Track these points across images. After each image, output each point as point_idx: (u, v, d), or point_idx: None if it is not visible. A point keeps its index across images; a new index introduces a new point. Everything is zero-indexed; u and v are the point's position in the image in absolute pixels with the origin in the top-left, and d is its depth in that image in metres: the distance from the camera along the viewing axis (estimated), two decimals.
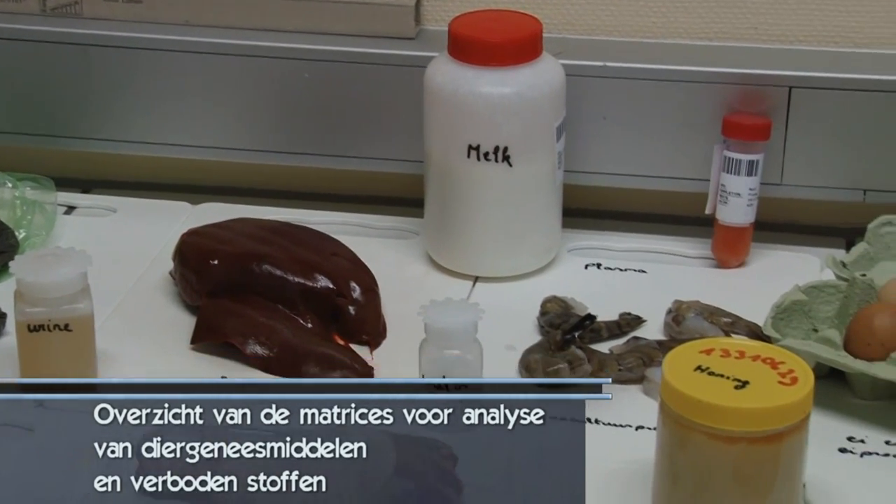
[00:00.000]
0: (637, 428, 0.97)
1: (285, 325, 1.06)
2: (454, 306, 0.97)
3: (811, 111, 1.15)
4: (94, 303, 1.00)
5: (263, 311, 1.07)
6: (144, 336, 1.08)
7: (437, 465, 0.84)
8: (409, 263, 1.18)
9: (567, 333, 1.05)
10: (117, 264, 1.16)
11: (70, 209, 1.27)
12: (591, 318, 1.07)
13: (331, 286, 1.08)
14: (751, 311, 1.07)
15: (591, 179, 1.22)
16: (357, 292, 1.09)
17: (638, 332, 1.08)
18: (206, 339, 1.06)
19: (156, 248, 1.19)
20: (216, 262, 1.09)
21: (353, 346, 1.07)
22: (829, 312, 1.04)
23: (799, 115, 1.16)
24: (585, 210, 1.24)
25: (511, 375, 1.03)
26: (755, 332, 1.05)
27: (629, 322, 1.09)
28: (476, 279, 1.15)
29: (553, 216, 1.16)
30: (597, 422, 0.98)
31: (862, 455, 0.94)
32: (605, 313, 1.09)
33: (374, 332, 1.08)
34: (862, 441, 0.96)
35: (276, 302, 1.08)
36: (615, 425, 0.98)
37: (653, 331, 1.08)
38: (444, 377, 0.96)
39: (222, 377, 1.03)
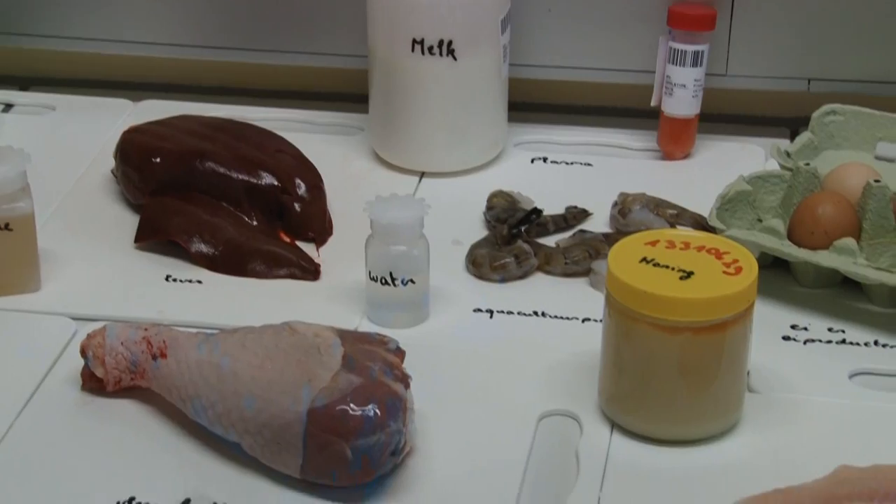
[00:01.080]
0: (584, 320, 0.98)
1: (230, 223, 1.05)
2: (400, 202, 0.97)
3: (756, 0, 1.15)
4: (34, 202, 0.99)
5: (207, 209, 1.06)
6: (87, 235, 1.07)
7: (384, 359, 0.84)
8: (354, 159, 1.17)
9: (514, 228, 1.05)
10: (57, 163, 1.14)
11: (8, 107, 1.25)
12: (537, 211, 1.07)
13: (275, 183, 1.07)
14: (696, 203, 1.07)
15: (537, 73, 1.21)
16: (302, 189, 1.08)
17: (584, 226, 1.09)
18: (150, 237, 1.05)
19: (97, 146, 1.17)
20: (158, 159, 1.07)
21: (299, 244, 1.07)
22: (773, 202, 1.04)
23: (744, 4, 1.15)
24: (531, 104, 1.24)
25: (457, 270, 1.03)
26: (700, 223, 1.05)
27: (575, 215, 1.09)
28: (422, 174, 1.15)
29: (499, 110, 1.16)
30: (543, 315, 0.99)
31: (805, 342, 0.96)
32: (552, 207, 1.09)
33: (319, 229, 1.08)
34: (805, 329, 0.97)
35: (220, 200, 1.07)
36: (562, 318, 0.98)
37: (599, 223, 1.09)
38: (390, 273, 0.96)
39: (167, 277, 1.03)
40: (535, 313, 0.99)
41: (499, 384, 0.92)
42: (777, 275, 1.01)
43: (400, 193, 0.98)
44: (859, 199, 1.00)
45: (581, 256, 1.03)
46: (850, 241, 0.97)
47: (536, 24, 1.19)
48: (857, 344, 0.95)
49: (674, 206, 1.08)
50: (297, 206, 1.07)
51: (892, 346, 0.95)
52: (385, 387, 0.82)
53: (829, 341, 0.95)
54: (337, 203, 1.10)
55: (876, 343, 0.95)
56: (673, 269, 0.86)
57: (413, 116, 1.13)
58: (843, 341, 0.95)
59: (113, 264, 1.04)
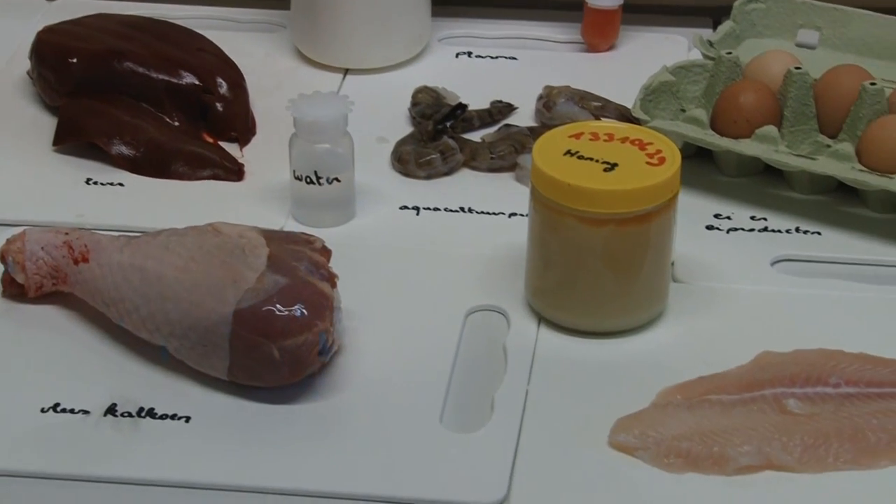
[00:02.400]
0: (510, 215, 0.98)
1: (151, 124, 1.04)
2: (323, 99, 0.96)
3: None
4: None
5: (128, 110, 1.04)
6: (3, 139, 1.05)
7: (310, 258, 0.84)
8: (276, 57, 1.16)
9: (439, 123, 1.05)
10: None
11: None
12: (462, 107, 1.06)
13: (197, 82, 1.06)
14: (620, 94, 1.07)
15: None
16: (224, 88, 1.07)
17: (509, 120, 1.08)
18: (69, 139, 1.04)
19: (10, 47, 1.15)
20: (75, 60, 1.05)
21: (222, 144, 1.05)
22: (696, 92, 1.04)
23: None
24: None
25: (383, 168, 1.03)
26: (625, 115, 1.05)
27: (500, 110, 1.09)
28: (346, 71, 1.13)
29: (422, 5, 1.14)
30: (470, 210, 0.99)
31: (728, 231, 0.96)
32: (477, 102, 1.08)
33: (243, 129, 1.06)
34: (728, 217, 0.97)
35: (140, 100, 1.05)
36: (488, 213, 0.98)
37: (524, 118, 1.08)
38: (315, 172, 0.95)
39: (87, 180, 1.01)
40: (462, 209, 0.99)
41: (426, 281, 0.92)
42: (700, 164, 1.01)
43: (323, 91, 0.97)
44: (780, 86, 1.00)
45: (507, 151, 1.03)
46: (771, 129, 0.97)
47: None
48: (779, 231, 0.96)
49: (598, 99, 1.08)
50: (219, 105, 1.06)
51: (812, 233, 0.96)
52: (311, 286, 0.82)
53: (752, 229, 0.96)
54: (260, 102, 1.09)
55: (797, 230, 0.96)
56: (597, 161, 0.86)
57: (336, 12, 1.11)
58: (766, 229, 0.96)
59: (31, 168, 1.02)
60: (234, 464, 0.78)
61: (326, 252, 0.86)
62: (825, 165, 0.96)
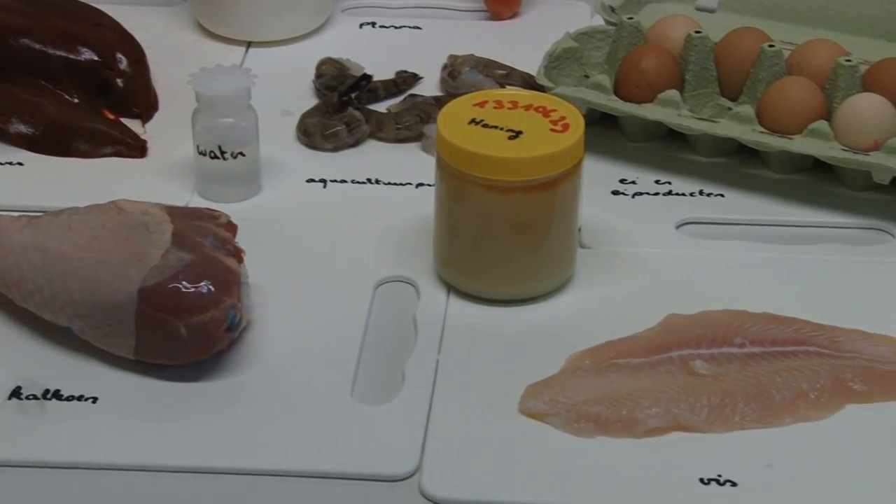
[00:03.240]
0: (417, 185, 0.98)
1: (50, 102, 1.02)
2: (225, 72, 0.95)
3: None
4: None
5: (25, 88, 1.02)
6: None
7: (215, 234, 0.83)
8: (177, 31, 1.14)
9: (343, 95, 1.04)
10: None
11: None
12: (367, 77, 1.06)
13: (96, 58, 1.04)
14: (525, 62, 1.07)
15: None
16: (124, 63, 1.05)
17: (415, 90, 1.08)
18: None
19: None
20: None
21: (124, 120, 1.04)
22: (599, 58, 1.05)
23: None
24: None
25: (288, 141, 1.02)
26: (529, 82, 1.05)
27: (405, 80, 1.09)
28: (248, 44, 1.12)
29: None
30: (377, 182, 0.98)
31: (633, 196, 0.97)
32: (382, 72, 1.08)
33: (144, 105, 1.05)
34: (633, 182, 0.98)
35: (38, 78, 1.03)
36: (396, 184, 0.98)
37: (430, 87, 1.08)
38: (219, 146, 0.94)
39: None
40: (369, 180, 0.99)
41: (334, 254, 0.92)
42: (605, 130, 1.02)
43: (225, 64, 0.96)
44: (681, 50, 1.01)
45: (412, 121, 1.03)
46: (673, 93, 0.98)
47: None
48: (683, 194, 0.97)
49: (503, 67, 1.08)
50: (119, 81, 1.05)
51: (715, 195, 0.97)
52: (218, 262, 0.81)
53: (657, 193, 0.97)
54: (161, 77, 1.07)
55: (701, 193, 0.97)
56: (502, 129, 0.86)
57: None
58: (670, 192, 0.97)
59: None
60: (144, 443, 0.78)
61: (232, 227, 0.85)
62: (726, 128, 0.97)
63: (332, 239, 0.93)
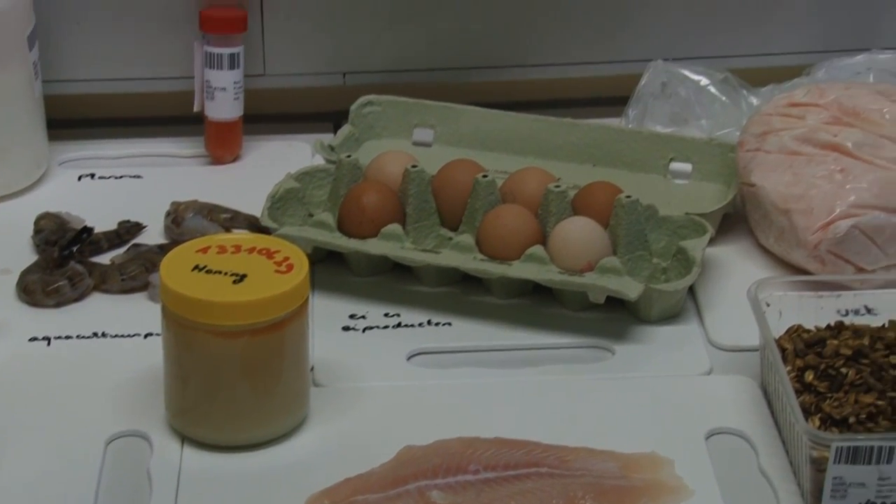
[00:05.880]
0: (146, 335, 0.96)
1: None
2: None
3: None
4: None
5: None
6: None
7: None
8: None
9: (64, 249, 1.02)
10: None
11: None
12: (87, 230, 1.04)
13: None
14: (249, 205, 1.08)
15: (74, 87, 1.18)
16: None
17: (139, 239, 1.07)
18: None
19: None
20: None
21: None
22: (322, 196, 1.06)
23: (272, 4, 1.16)
24: (73, 120, 1.20)
25: (8, 300, 0.99)
26: (254, 224, 1.06)
27: (128, 230, 1.07)
28: None
29: (37, 129, 1.12)
30: (104, 335, 0.97)
31: (364, 330, 0.98)
32: (104, 224, 1.06)
33: None
34: (363, 317, 0.99)
35: None
36: (124, 336, 0.96)
37: (154, 235, 1.07)
38: None
39: None
40: (96, 334, 0.97)
41: (62, 413, 0.89)
42: (333, 267, 1.03)
43: None
44: (401, 185, 1.03)
45: (137, 271, 1.01)
46: (395, 227, 1.00)
47: (66, 39, 1.16)
48: (412, 325, 0.98)
49: (227, 210, 1.08)
50: None
51: (443, 324, 0.98)
52: None
53: (387, 326, 0.98)
54: None
55: (429, 322, 0.98)
56: (226, 273, 0.86)
57: None
58: (399, 325, 0.98)
59: None
60: None
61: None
62: (448, 258, 0.99)
63: (59, 398, 0.90)
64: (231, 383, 0.86)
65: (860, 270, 0.98)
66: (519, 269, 0.98)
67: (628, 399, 0.91)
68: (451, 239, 1.02)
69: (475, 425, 0.88)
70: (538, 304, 0.99)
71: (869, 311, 0.91)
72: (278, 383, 0.87)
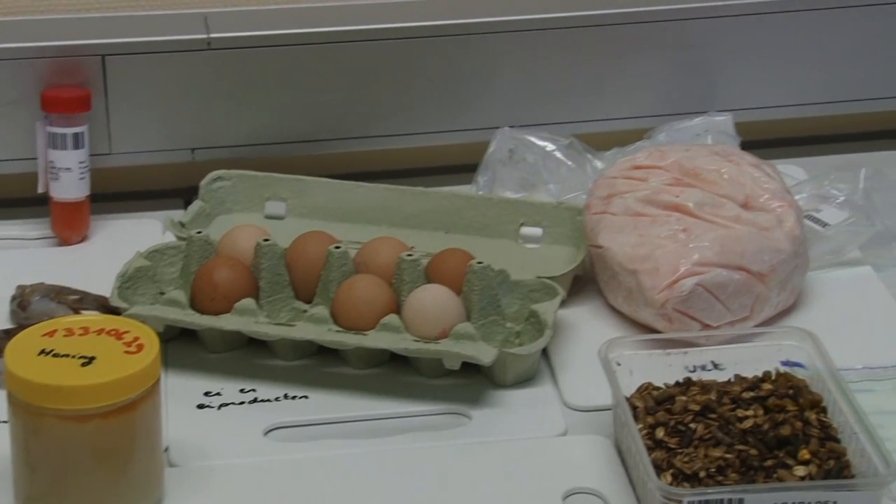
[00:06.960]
0: None
1: None
2: None
3: (128, 77, 1.15)
4: None
5: None
6: None
7: None
8: None
9: None
10: None
11: None
12: None
13: None
14: (99, 285, 1.06)
15: None
16: None
17: None
18: None
19: None
20: None
21: None
22: (173, 274, 1.05)
23: (116, 82, 1.15)
24: None
25: None
26: (105, 305, 1.04)
27: None
28: None
29: None
30: None
31: (220, 407, 0.97)
32: None
33: None
34: (218, 394, 0.98)
35: None
36: None
37: (0, 320, 1.05)
38: None
39: None
40: None
41: None
42: (186, 344, 1.01)
43: None
44: (253, 259, 1.03)
45: None
46: (249, 302, 0.99)
47: None
48: (268, 400, 0.97)
49: (76, 292, 1.06)
50: None
51: (300, 398, 0.98)
52: None
53: (242, 402, 0.97)
54: None
55: (285, 396, 0.98)
56: (74, 356, 0.84)
57: None
58: (255, 400, 0.97)
59: None
60: None
61: None
62: (303, 331, 0.98)
63: None
64: (82, 469, 0.84)
65: (706, 327, 1.00)
66: (374, 339, 0.97)
67: (486, 463, 0.91)
68: (305, 311, 1.01)
69: (338, 498, 0.87)
70: (395, 373, 0.99)
71: (716, 366, 0.93)
72: (131, 466, 0.85)
